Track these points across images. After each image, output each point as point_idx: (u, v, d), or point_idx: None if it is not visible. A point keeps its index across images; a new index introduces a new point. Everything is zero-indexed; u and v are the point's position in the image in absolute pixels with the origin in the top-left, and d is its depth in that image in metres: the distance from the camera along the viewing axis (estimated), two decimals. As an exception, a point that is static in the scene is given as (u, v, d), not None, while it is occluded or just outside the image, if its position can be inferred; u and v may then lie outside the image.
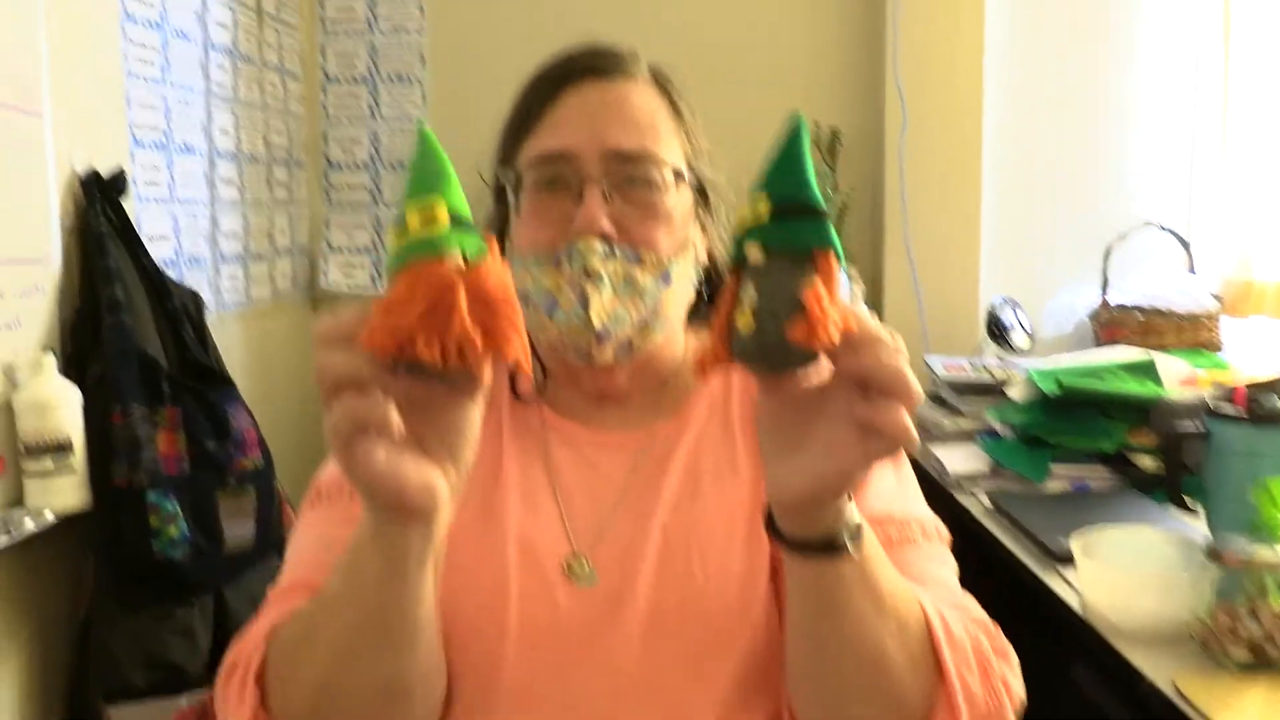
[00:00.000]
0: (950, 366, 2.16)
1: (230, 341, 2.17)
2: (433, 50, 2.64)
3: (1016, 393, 1.97)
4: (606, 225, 0.84)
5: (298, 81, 2.59)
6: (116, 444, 1.50)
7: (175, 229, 1.95)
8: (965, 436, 2.04)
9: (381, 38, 2.64)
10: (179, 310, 1.69)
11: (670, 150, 0.89)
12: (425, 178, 0.61)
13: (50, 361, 1.45)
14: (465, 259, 0.59)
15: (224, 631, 1.67)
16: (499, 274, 0.60)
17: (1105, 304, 2.41)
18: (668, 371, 0.94)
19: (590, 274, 0.83)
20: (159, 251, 1.87)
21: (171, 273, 1.90)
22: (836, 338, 0.59)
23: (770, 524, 0.68)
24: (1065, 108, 2.57)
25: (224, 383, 1.70)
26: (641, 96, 0.89)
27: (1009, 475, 1.83)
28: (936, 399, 2.17)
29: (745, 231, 0.63)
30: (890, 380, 0.59)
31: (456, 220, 0.60)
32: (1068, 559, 1.38)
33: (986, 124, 2.48)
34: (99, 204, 1.59)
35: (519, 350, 0.60)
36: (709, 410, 0.92)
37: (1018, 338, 2.15)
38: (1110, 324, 2.38)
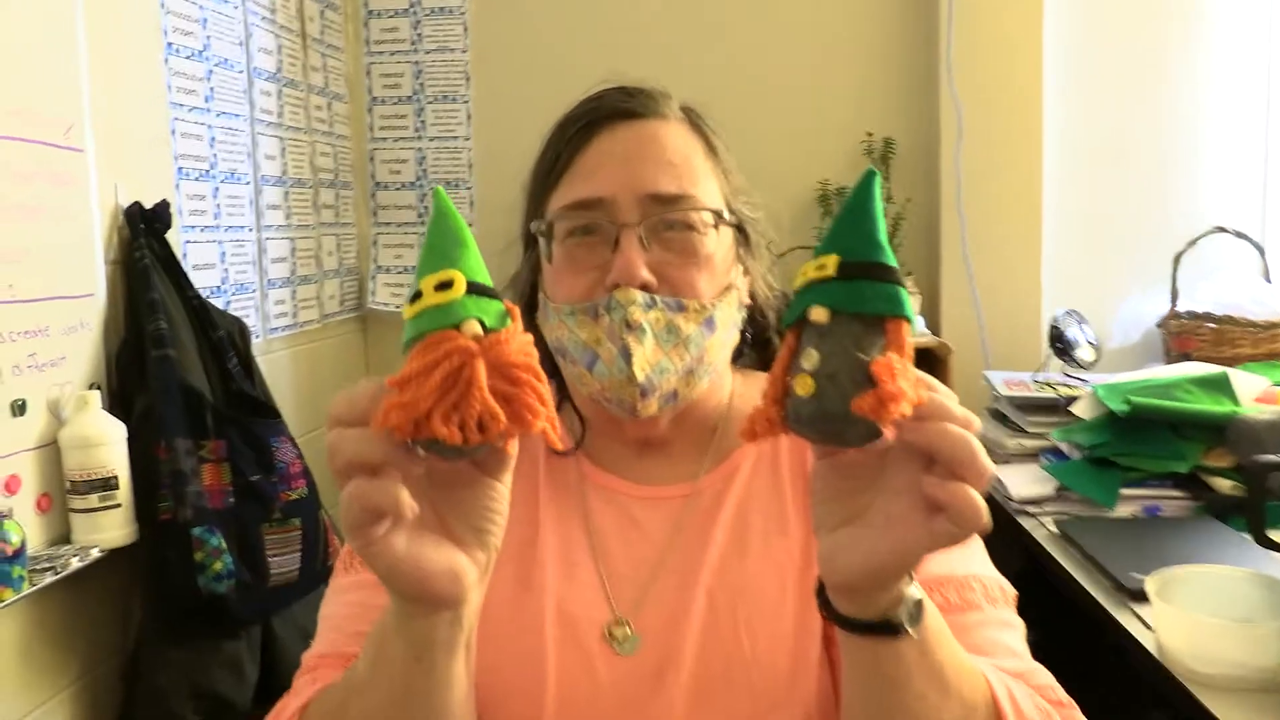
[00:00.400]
0: (1011, 383, 2.08)
1: (278, 366, 2.17)
2: (477, 69, 2.62)
3: (1083, 411, 1.89)
4: (646, 274, 0.80)
5: (343, 103, 2.59)
6: (161, 478, 1.49)
7: (222, 257, 1.95)
8: (1028, 457, 1.96)
9: (426, 57, 2.63)
10: (224, 341, 1.68)
11: (709, 191, 0.85)
12: (440, 246, 0.58)
13: (95, 398, 1.45)
14: (484, 327, 0.56)
15: (272, 663, 1.66)
16: (521, 342, 0.57)
17: (1175, 313, 2.31)
18: (713, 417, 0.90)
19: (631, 326, 0.79)
20: (205, 280, 1.87)
21: (218, 301, 1.90)
22: (908, 413, 0.54)
23: (822, 598, 0.63)
24: (1130, 109, 2.47)
25: (269, 414, 1.69)
26: (676, 137, 0.85)
27: (1075, 498, 1.75)
28: (998, 417, 2.09)
29: (808, 288, 0.58)
30: (960, 456, 0.54)
31: (474, 288, 0.57)
32: (1142, 596, 1.31)
33: (1046, 130, 2.39)
34: (143, 237, 1.58)
35: (545, 421, 0.56)
36: (756, 460, 0.87)
37: (1083, 353, 2.06)
38: (1181, 334, 2.28)
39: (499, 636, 0.78)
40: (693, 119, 0.89)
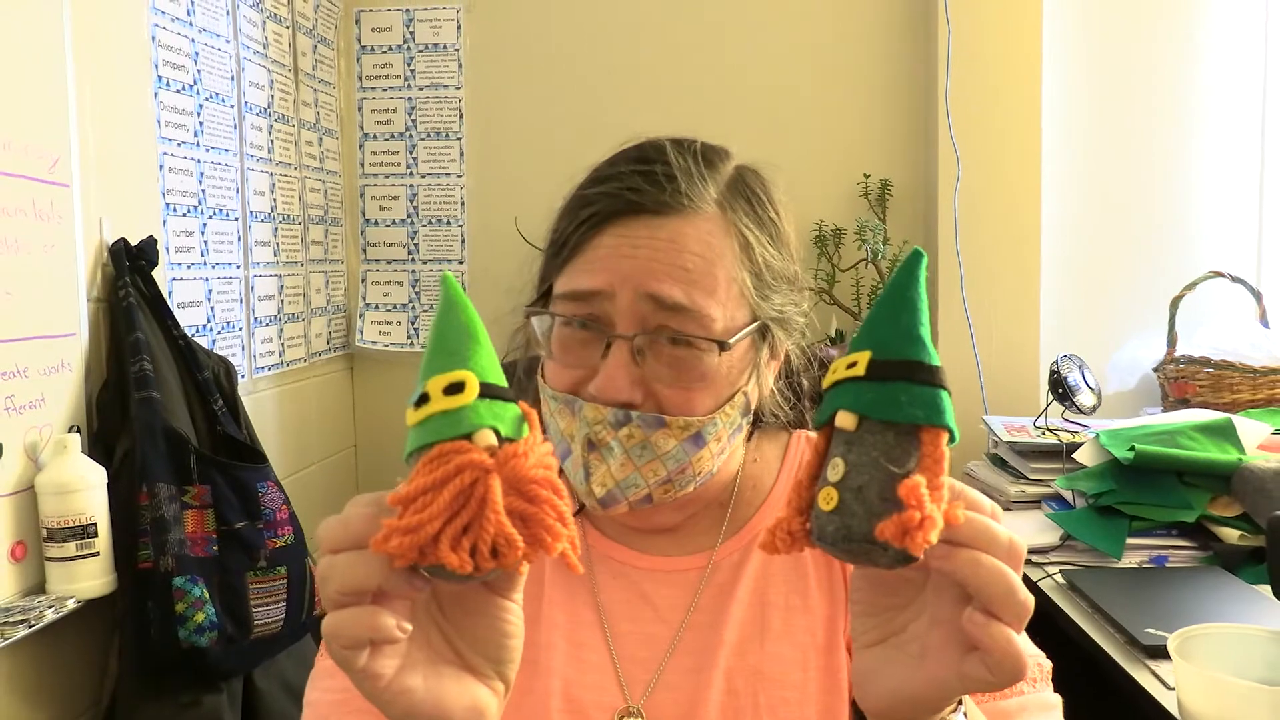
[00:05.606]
0: (1011, 428, 2.05)
1: (264, 406, 2.12)
2: (471, 106, 2.60)
3: (1086, 457, 1.86)
4: (627, 393, 0.72)
5: (334, 139, 2.56)
6: (142, 525, 1.44)
7: (208, 295, 1.90)
8: (1030, 504, 1.93)
9: (420, 93, 2.61)
10: (210, 382, 1.63)
11: (727, 301, 0.74)
12: (449, 341, 0.52)
13: (74, 441, 1.39)
14: (499, 437, 0.50)
15: (254, 717, 1.60)
16: (540, 454, 0.51)
17: (1172, 357, 2.30)
18: (724, 493, 0.85)
19: (596, 444, 0.73)
20: (191, 319, 1.83)
21: (204, 340, 1.85)
22: (934, 540, 0.49)
23: (859, 714, 0.58)
24: (1127, 153, 2.48)
25: (255, 458, 1.64)
26: (698, 239, 0.74)
27: (1081, 548, 1.72)
28: (998, 463, 2.06)
29: (837, 388, 0.53)
30: (992, 592, 0.49)
31: (488, 391, 0.51)
32: (1158, 653, 1.27)
33: (1045, 172, 2.39)
34: (128, 274, 1.54)
35: (566, 541, 0.51)
36: None
37: (1084, 398, 2.04)
38: (1179, 379, 2.26)
39: None
40: (731, 209, 0.76)
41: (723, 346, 0.74)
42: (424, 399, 0.51)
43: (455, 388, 0.50)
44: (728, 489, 0.85)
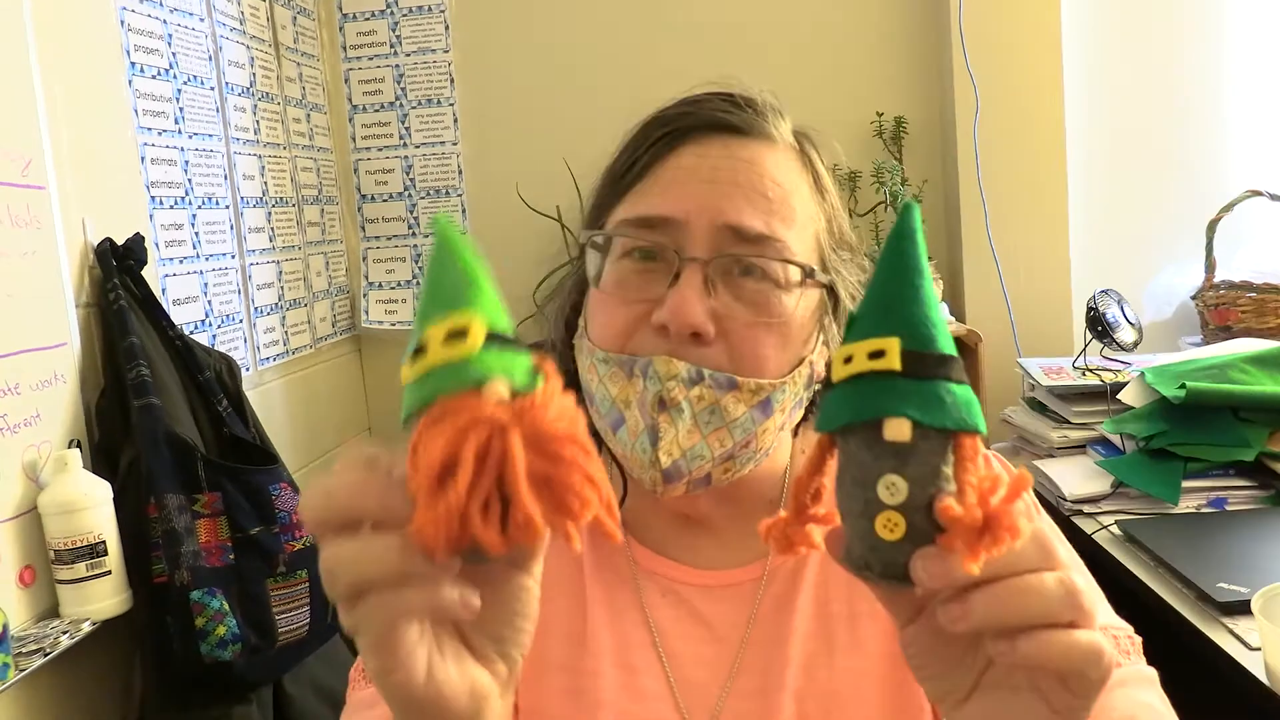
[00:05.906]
0: (1049, 370, 1.97)
1: (272, 397, 2.05)
2: (461, 69, 2.49)
3: (1132, 398, 1.78)
4: (701, 320, 0.65)
5: (323, 114, 2.46)
6: (154, 539, 1.37)
7: (204, 289, 1.82)
8: (1074, 449, 1.85)
9: (407, 60, 2.50)
10: (212, 382, 1.56)
11: (803, 239, 0.69)
12: (445, 287, 0.43)
13: (75, 457, 1.32)
14: (511, 389, 0.41)
15: (287, 724, 1.55)
16: (561, 405, 0.42)
17: (1212, 283, 2.20)
18: (771, 489, 0.77)
19: (666, 404, 0.65)
20: (188, 315, 1.75)
21: (204, 336, 1.78)
22: (978, 570, 0.41)
23: None
24: (1153, 73, 2.35)
25: (265, 460, 1.56)
26: (779, 166, 0.70)
27: (1134, 495, 1.64)
28: (1037, 407, 1.98)
29: (861, 380, 0.43)
30: (1064, 656, 0.42)
31: (496, 338, 0.42)
32: (1233, 609, 1.19)
33: (1068, 100, 2.27)
34: (117, 275, 1.46)
35: (599, 507, 0.42)
36: None
37: (1124, 334, 1.94)
38: (1219, 306, 2.17)
39: None
40: (805, 148, 0.73)
41: (807, 275, 0.68)
42: (420, 350, 0.42)
43: (458, 334, 0.41)
44: (777, 486, 0.77)
